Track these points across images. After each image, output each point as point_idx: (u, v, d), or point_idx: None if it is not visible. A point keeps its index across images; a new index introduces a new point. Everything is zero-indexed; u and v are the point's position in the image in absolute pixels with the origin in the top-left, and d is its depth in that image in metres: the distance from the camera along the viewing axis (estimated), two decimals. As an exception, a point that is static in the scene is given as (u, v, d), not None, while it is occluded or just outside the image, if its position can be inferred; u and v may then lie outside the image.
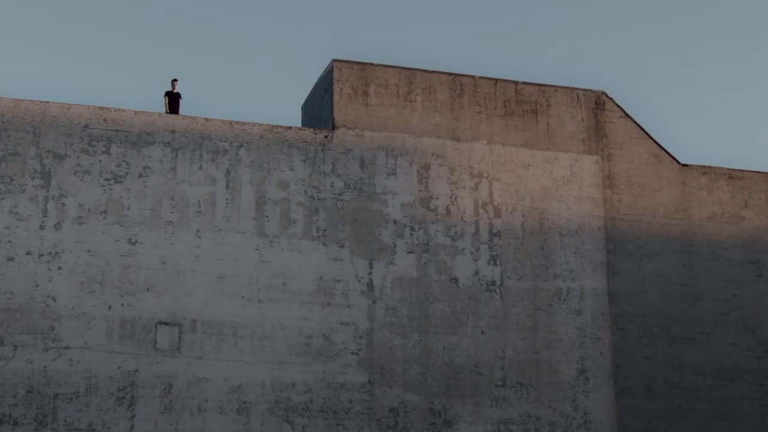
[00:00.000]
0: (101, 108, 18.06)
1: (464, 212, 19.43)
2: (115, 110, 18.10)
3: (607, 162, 20.43)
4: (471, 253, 19.26)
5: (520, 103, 20.32)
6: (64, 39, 42.13)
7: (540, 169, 20.11)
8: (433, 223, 19.16)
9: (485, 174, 19.81)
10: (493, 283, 19.26)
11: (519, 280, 19.34)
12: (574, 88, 20.75)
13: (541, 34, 44.28)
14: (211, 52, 42.98)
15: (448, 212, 19.38)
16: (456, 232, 19.30)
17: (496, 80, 20.35)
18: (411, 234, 19.02)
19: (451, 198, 19.45)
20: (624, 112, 20.92)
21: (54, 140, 17.64)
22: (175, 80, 19.36)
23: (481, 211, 19.60)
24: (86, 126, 17.92)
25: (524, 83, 20.50)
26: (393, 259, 18.76)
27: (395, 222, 18.97)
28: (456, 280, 19.10)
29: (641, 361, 19.91)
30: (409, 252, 18.91)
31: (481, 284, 19.22)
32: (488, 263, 19.33)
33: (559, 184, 20.15)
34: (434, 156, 19.55)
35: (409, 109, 19.59)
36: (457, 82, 20.05)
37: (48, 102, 17.85)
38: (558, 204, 20.05)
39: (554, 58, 42.45)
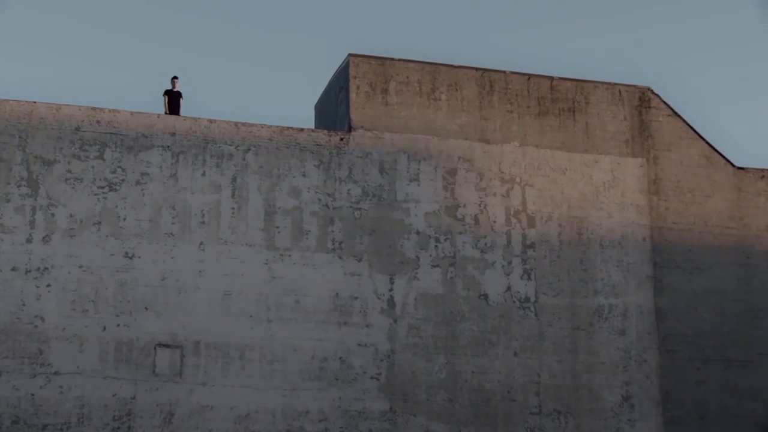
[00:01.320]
0: (94, 108, 17.94)
1: (494, 222, 19.27)
2: (109, 111, 17.97)
3: (653, 165, 20.29)
4: (502, 266, 19.11)
5: (556, 101, 20.19)
6: (52, 33, 42.06)
7: (578, 174, 19.96)
8: (460, 233, 18.99)
9: (517, 179, 19.65)
10: (527, 299, 19.07)
11: (555, 297, 19.15)
12: (615, 84, 20.63)
13: (578, 25, 44.21)
14: (214, 47, 42.99)
15: (477, 222, 19.21)
16: (485, 244, 19.11)
17: (529, 75, 20.20)
18: (436, 246, 18.84)
19: (479, 206, 19.29)
20: (672, 110, 20.77)
21: (42, 144, 17.52)
22: (175, 78, 19.26)
23: (513, 220, 19.45)
24: (78, 128, 17.78)
25: (560, 78, 20.35)
26: (416, 273, 18.60)
27: (418, 233, 18.83)
28: (486, 296, 18.92)
29: (692, 386, 19.69)
30: (433, 266, 18.71)
31: (514, 301, 19.01)
32: (521, 278, 19.13)
33: (600, 190, 19.99)
34: (461, 160, 19.41)
35: (433, 108, 19.46)
36: (486, 78, 19.92)
37: (35, 102, 17.73)
38: (598, 212, 19.86)
39: (593, 50, 42.45)
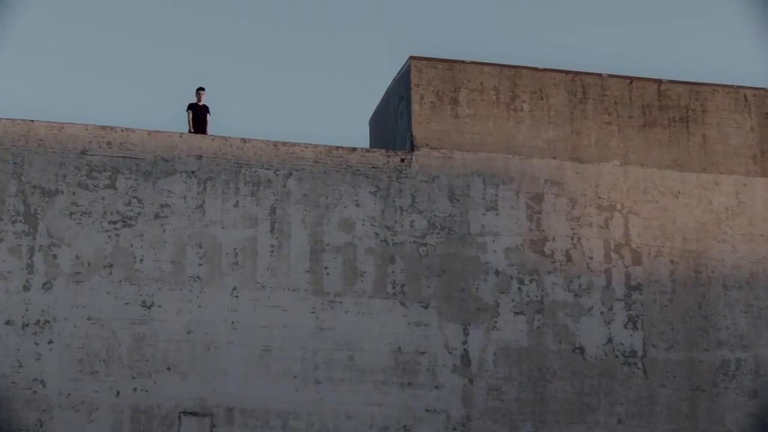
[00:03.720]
0: (103, 128, 18.07)
1: (591, 258, 19.04)
2: (121, 130, 18.10)
3: (789, 187, 20.28)
4: (601, 313, 18.77)
5: (665, 109, 20.02)
6: (52, 40, 41.95)
7: (694, 198, 19.69)
8: (549, 273, 18.80)
9: (619, 206, 19.39)
10: (633, 353, 18.77)
11: (668, 350, 18.85)
12: (739, 87, 20.33)
13: (690, 18, 43.75)
14: (245, 53, 42.99)
15: (569, 259, 18.95)
16: (580, 286, 18.84)
17: (632, 79, 20.01)
18: (519, 288, 18.64)
19: (572, 239, 19.03)
20: (811, 118, 20.62)
21: (41, 171, 17.66)
22: (201, 89, 19.50)
23: (613, 256, 19.13)
24: (84, 152, 17.90)
25: (670, 82, 20.20)
26: (495, 322, 18.37)
27: (497, 273, 18.62)
28: (582, 350, 18.62)
29: (842, 462, 18.79)
30: (516, 313, 18.50)
31: (617, 355, 18.66)
32: (625, 327, 18.81)
33: (722, 218, 19.68)
34: (548, 183, 19.26)
35: (514, 120, 19.39)
36: (578, 83, 19.85)
37: (33, 121, 17.88)
38: (720, 245, 19.53)
39: (709, 48, 42.08)
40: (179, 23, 43.11)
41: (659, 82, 20.01)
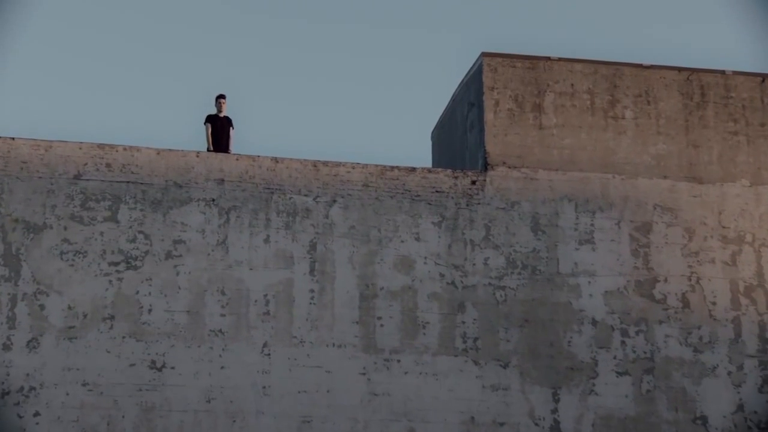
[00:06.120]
0: (101, 146, 17.60)
1: (714, 304, 18.41)
2: (124, 149, 17.62)
3: None
4: (729, 373, 18.06)
5: None
6: (40, 41, 41.10)
7: None
8: (661, 323, 18.15)
9: (749, 237, 18.86)
10: None
11: None
12: None
13: None
14: (276, 54, 42.19)
15: (686, 304, 18.32)
16: (701, 339, 18.16)
17: (764, 77, 19.41)
18: (623, 342, 17.98)
19: (689, 280, 18.42)
20: None
21: (25, 201, 17.21)
22: (221, 98, 19.28)
23: (743, 300, 18.46)
24: (78, 176, 17.42)
25: None
26: (593, 385, 17.63)
27: (595, 323, 17.99)
28: (704, 420, 17.89)
29: None
30: (620, 373, 17.79)
31: (749, 427, 17.97)
32: (760, 391, 18.10)
33: None
34: (658, 209, 18.68)
35: (614, 130, 18.94)
36: (695, 83, 19.26)
37: (14, 139, 17.47)
38: None
39: None
40: (192, 17, 42.24)
41: (799, 80, 19.42)
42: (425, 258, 17.77)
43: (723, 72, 19.34)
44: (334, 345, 17.24)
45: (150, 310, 16.89)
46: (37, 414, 16.10)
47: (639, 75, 19.19)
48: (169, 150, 17.64)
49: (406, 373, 17.21)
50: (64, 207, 17.16)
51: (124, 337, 16.69)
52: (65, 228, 17.03)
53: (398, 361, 17.23)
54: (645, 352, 17.92)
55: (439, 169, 18.35)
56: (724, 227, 18.73)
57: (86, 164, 17.38)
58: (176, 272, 17.12)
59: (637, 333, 18.06)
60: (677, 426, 17.74)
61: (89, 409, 16.30)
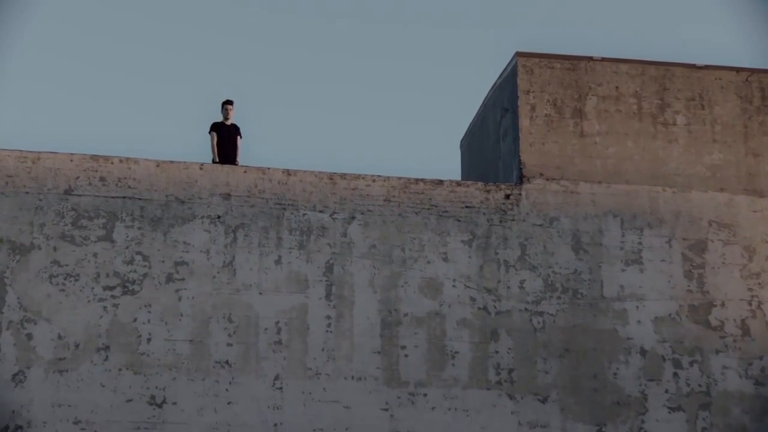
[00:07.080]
0: (95, 158, 17.41)
1: None
2: (120, 161, 17.42)
3: None
4: None
5: None
6: (28, 47, 40.64)
7: None
8: (719, 352, 17.86)
9: None
10: None
11: None
12: None
13: None
14: (288, 57, 41.87)
15: (746, 332, 18.03)
16: (763, 370, 17.86)
17: None
18: (675, 374, 17.69)
19: (750, 304, 18.13)
20: None
21: (10, 219, 16.96)
22: (228, 104, 19.05)
23: None
24: (69, 191, 17.17)
25: None
26: (642, 422, 17.32)
27: (644, 352, 17.69)
28: None
29: None
30: (672, 409, 17.45)
31: None
32: None
33: None
34: (714, 226, 18.50)
35: (664, 138, 18.72)
36: (755, 84, 19.03)
37: None
38: None
39: None
40: (194, 15, 42.04)
41: None
42: (454, 280, 17.44)
43: (786, 72, 18.92)
44: (353, 378, 16.83)
45: (149, 340, 16.48)
46: (26, 455, 15.94)
47: (692, 76, 18.91)
48: (170, 162, 17.30)
49: (433, 408, 16.85)
50: (54, 225, 16.81)
51: (120, 370, 16.29)
52: (55, 249, 16.68)
53: (424, 395, 16.87)
54: (700, 385, 17.52)
55: (469, 182, 18.14)
56: (788, 245, 18.32)
57: (78, 178, 17.04)
58: (178, 297, 16.77)
59: (691, 364, 17.62)
60: (737, 467, 16.72)
61: (84, 451, 16.09)
